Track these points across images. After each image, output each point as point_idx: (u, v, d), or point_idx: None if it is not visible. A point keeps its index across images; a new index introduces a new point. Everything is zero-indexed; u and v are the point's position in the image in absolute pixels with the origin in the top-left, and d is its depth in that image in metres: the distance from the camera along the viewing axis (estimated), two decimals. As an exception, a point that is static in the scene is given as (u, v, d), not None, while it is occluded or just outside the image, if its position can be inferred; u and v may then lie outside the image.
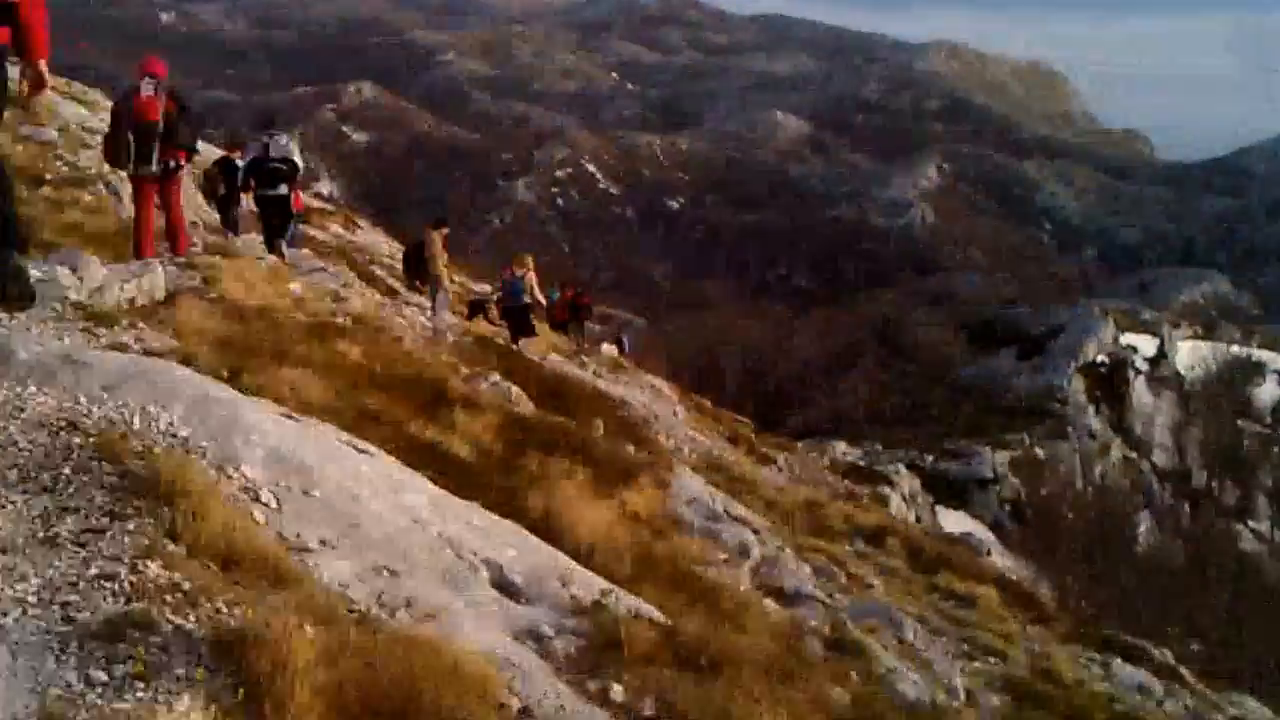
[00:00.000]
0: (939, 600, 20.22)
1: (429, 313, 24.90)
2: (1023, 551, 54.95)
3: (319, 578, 5.55)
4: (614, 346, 39.59)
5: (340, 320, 15.79)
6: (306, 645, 4.21)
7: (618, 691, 5.76)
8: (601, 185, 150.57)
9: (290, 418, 7.77)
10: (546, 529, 9.87)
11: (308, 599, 4.93)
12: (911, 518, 47.83)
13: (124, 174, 15.86)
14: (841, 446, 60.53)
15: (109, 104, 33.23)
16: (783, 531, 19.88)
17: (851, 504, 28.35)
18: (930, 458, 65.54)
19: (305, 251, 25.37)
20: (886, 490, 48.52)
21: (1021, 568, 48.88)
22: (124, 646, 4.08)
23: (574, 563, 7.76)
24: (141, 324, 9.31)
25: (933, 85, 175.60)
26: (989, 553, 51.52)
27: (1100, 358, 78.28)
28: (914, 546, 23.26)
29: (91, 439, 5.90)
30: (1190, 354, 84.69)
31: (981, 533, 55.58)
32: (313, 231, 30.97)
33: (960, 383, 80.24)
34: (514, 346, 24.68)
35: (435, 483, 8.57)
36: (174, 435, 6.39)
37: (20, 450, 5.64)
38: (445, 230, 25.62)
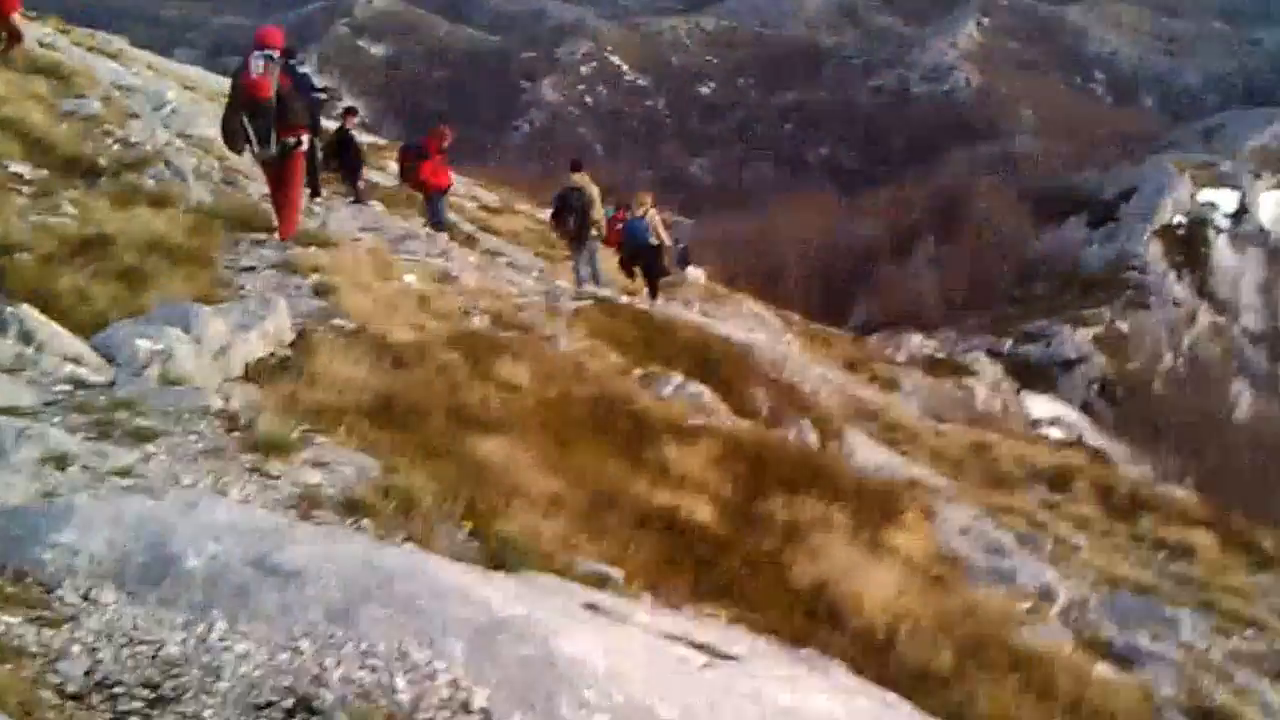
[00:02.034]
0: (1150, 553, 18.03)
1: (575, 275, 22.56)
2: (1117, 432, 52.76)
3: None
4: (699, 271, 36.73)
5: (477, 320, 13.64)
6: None
7: None
8: (629, 78, 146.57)
9: (594, 608, 5.29)
10: (827, 608, 8.10)
11: None
12: (998, 407, 45.98)
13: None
14: (917, 339, 58.53)
15: (137, 53, 30.98)
16: (966, 490, 17.75)
17: (1019, 439, 25.97)
18: (1009, 342, 63.13)
19: (377, 205, 23.01)
20: (971, 382, 46.73)
21: (1118, 450, 46.83)
22: None
23: None
24: (319, 438, 6.79)
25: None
26: (1081, 437, 49.69)
27: (1177, 218, 74.84)
28: (1103, 487, 20.90)
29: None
30: (1275, 205, 79.76)
31: (1072, 416, 53.65)
32: (373, 175, 28.19)
33: (1030, 257, 77.09)
34: (634, 300, 22.05)
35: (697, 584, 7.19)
36: (467, 707, 3.90)
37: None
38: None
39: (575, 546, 6.60)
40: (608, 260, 24.33)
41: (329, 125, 23.31)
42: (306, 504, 5.68)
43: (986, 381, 49.03)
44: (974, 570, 10.76)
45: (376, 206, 22.47)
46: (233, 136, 13.55)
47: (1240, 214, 76.88)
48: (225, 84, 33.62)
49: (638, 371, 13.73)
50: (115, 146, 16.92)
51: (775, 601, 7.76)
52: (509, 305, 15.51)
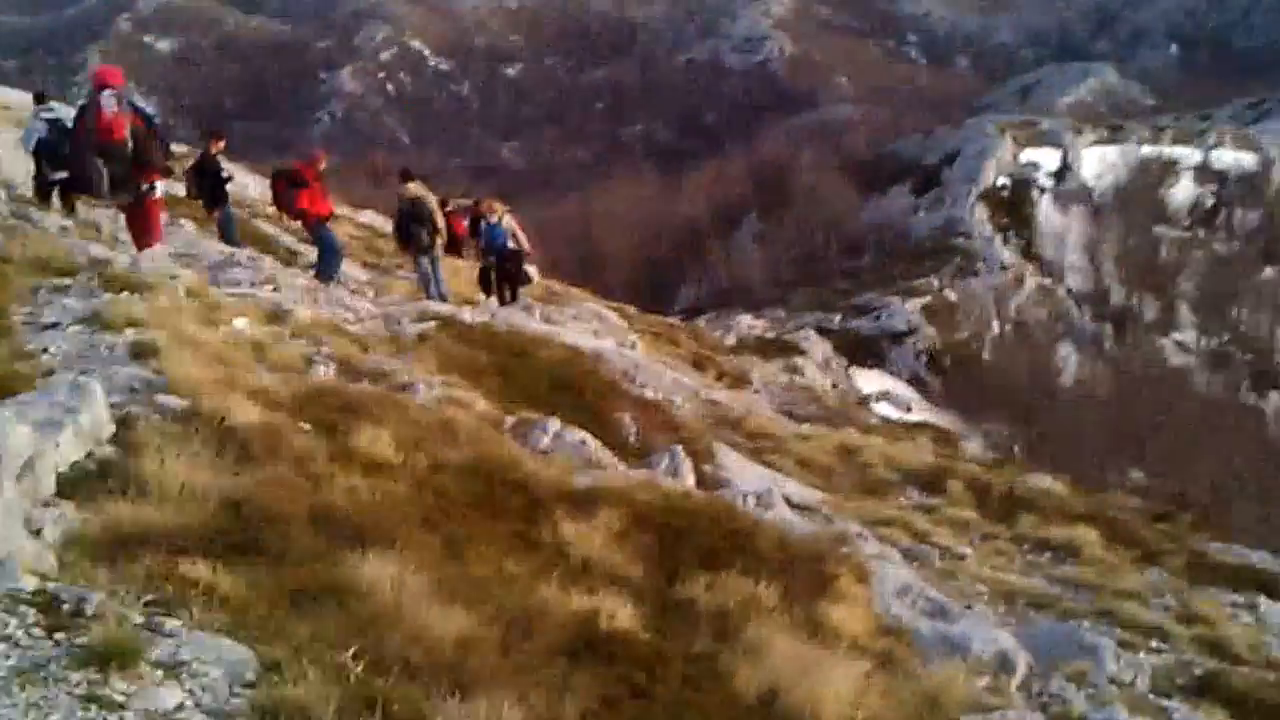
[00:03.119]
0: (1033, 555, 17.32)
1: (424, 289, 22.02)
2: (946, 403, 52.99)
3: None
4: (533, 268, 35.24)
5: (323, 371, 12.22)
6: None
7: None
8: (432, 62, 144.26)
9: None
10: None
11: None
12: (828, 385, 45.68)
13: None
14: (746, 320, 58.32)
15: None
16: (843, 505, 16.81)
17: (880, 436, 25.21)
18: (838, 317, 62.99)
19: (186, 225, 21.30)
20: (800, 361, 46.38)
21: (947, 421, 46.81)
22: None
23: None
24: (169, 623, 5.18)
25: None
26: (909, 409, 49.59)
27: (1001, 180, 75.54)
28: (978, 486, 20.15)
29: None
30: (1097, 161, 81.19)
31: (901, 390, 53.66)
32: (178, 187, 26.03)
33: (857, 229, 77.19)
34: (476, 310, 20.77)
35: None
36: None
37: None
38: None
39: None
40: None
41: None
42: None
43: (816, 360, 48.66)
44: (922, 640, 9.64)
45: (248, 251, 20.55)
46: (87, 177, 13.04)
47: (1063, 172, 77.98)
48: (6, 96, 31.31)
49: (509, 420, 12.38)
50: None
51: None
52: (353, 345, 14.05)
